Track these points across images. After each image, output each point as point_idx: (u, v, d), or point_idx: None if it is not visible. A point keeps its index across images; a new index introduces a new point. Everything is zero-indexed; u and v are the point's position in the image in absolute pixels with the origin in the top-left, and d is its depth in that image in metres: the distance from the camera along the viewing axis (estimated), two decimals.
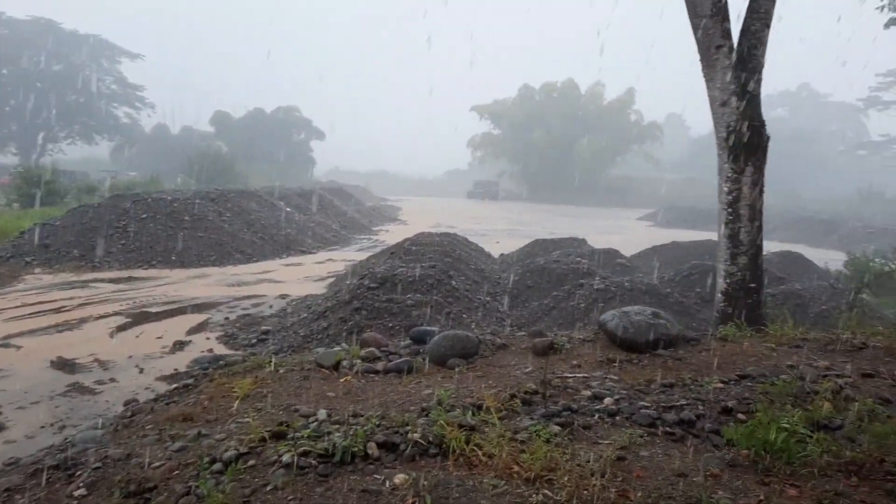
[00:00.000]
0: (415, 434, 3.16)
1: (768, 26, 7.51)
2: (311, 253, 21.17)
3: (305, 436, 3.25)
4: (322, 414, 3.67)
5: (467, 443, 3.11)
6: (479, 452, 3.02)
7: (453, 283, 10.71)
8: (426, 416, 3.60)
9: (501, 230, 32.10)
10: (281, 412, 3.83)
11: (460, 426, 3.33)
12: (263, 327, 10.08)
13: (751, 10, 7.42)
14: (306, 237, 23.21)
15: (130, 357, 8.37)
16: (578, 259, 13.45)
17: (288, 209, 25.86)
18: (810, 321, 10.04)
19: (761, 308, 7.56)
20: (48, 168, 31.76)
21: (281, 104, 66.52)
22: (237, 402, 3.97)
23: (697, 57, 7.72)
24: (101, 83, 59.23)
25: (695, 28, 7.58)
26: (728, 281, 7.46)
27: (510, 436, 3.24)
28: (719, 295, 7.60)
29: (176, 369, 7.90)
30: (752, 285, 7.39)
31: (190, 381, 5.28)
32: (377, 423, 3.46)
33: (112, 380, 7.35)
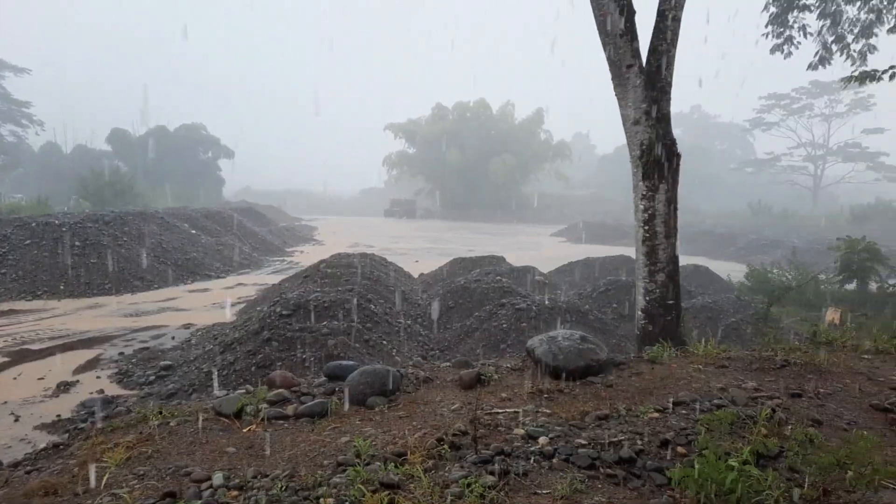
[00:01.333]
0: (328, 500, 2.70)
1: (675, 45, 7.66)
2: (219, 277, 19.97)
3: None
4: (218, 478, 3.12)
5: None
6: None
7: (372, 307, 10.22)
8: (343, 472, 3.14)
9: (420, 249, 31.81)
10: (168, 478, 3.24)
11: (382, 485, 2.90)
12: (163, 362, 9.18)
13: (657, 31, 7.54)
14: (214, 261, 21.92)
15: (5, 403, 7.35)
16: (498, 277, 13.32)
17: (193, 231, 24.39)
18: (721, 334, 10.34)
19: (680, 324, 7.61)
20: None
21: (185, 122, 63.43)
22: (114, 467, 3.33)
23: (602, 78, 7.77)
24: None
25: (606, 47, 7.60)
26: (647, 298, 7.46)
27: (439, 492, 2.85)
28: (639, 312, 7.59)
29: (59, 415, 6.97)
30: (671, 302, 7.43)
31: (64, 439, 4.51)
32: (284, 486, 2.96)
33: None
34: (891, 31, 16.21)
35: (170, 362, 9.13)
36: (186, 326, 12.15)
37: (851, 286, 15.69)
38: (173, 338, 11.14)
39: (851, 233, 17.20)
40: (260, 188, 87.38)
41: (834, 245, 16.86)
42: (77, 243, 17.28)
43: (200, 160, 62.67)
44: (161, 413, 4.30)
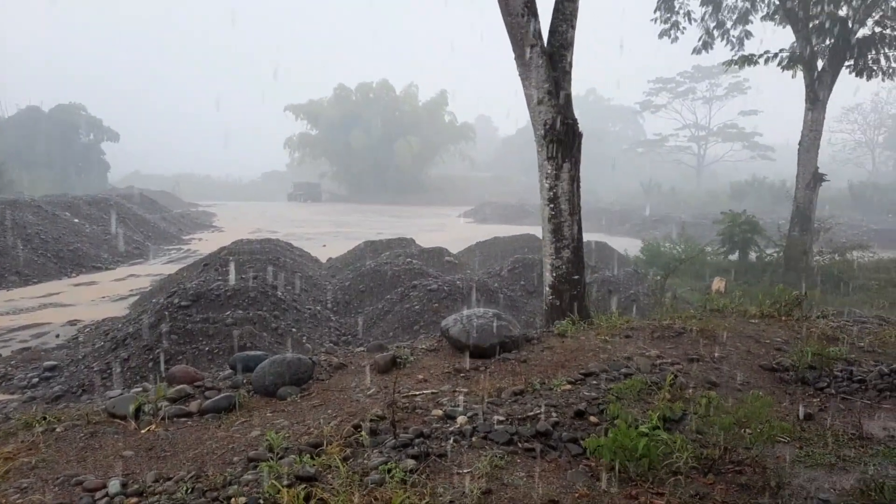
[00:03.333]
0: (240, 499, 2.54)
1: (573, 27, 7.82)
2: (108, 269, 18.58)
3: None
4: (114, 485, 2.86)
5: (307, 500, 2.56)
6: None
7: (279, 293, 9.86)
8: (254, 468, 2.97)
9: (327, 233, 31.14)
10: (56, 489, 2.93)
11: (297, 478, 2.77)
12: (47, 363, 8.41)
13: (556, 11, 7.67)
14: (101, 251, 20.36)
15: None
16: (409, 259, 13.26)
17: (76, 220, 22.51)
18: (622, 305, 10.85)
19: (585, 298, 7.89)
20: None
21: (62, 102, 57.94)
22: None
23: (505, 60, 7.83)
24: None
25: (508, 27, 7.63)
26: (554, 274, 7.66)
27: (359, 480, 2.75)
28: (547, 288, 7.78)
29: None
30: (576, 277, 7.67)
31: None
32: (190, 487, 2.76)
33: None
34: (763, 18, 17.53)
35: (55, 362, 8.38)
36: (72, 323, 11.22)
37: (734, 257, 17.00)
38: (58, 336, 10.26)
39: (731, 208, 18.60)
40: (150, 172, 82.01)
41: (718, 219, 18.17)
42: None
43: (81, 143, 57.70)
44: (45, 418, 3.90)
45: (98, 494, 2.84)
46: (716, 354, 4.86)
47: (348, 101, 70.85)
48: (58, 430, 3.73)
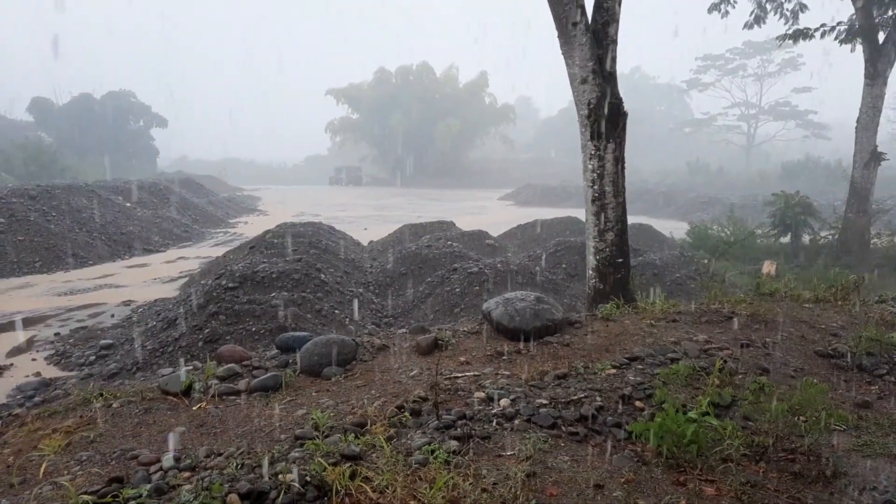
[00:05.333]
0: (288, 476, 2.59)
1: (619, 3, 7.60)
2: (158, 251, 19.20)
3: (144, 494, 2.56)
4: (168, 459, 2.96)
5: (353, 478, 2.60)
6: (369, 489, 2.53)
7: (322, 276, 10.00)
8: (301, 446, 3.02)
9: (368, 216, 31.41)
10: (113, 462, 3.05)
11: (343, 457, 2.81)
12: (103, 341, 8.77)
13: None
14: (152, 234, 21.02)
15: None
16: (449, 242, 13.26)
17: (128, 204, 23.29)
18: (667, 289, 10.62)
19: (629, 281, 7.75)
20: None
21: (113, 89, 59.73)
22: (53, 454, 3.12)
23: (545, 40, 7.66)
24: None
25: (551, 4, 7.47)
26: (598, 257, 7.54)
27: (402, 460, 2.78)
28: (590, 272, 7.67)
29: None
30: (620, 260, 7.54)
31: None
32: (240, 463, 2.83)
33: None
34: None
35: (110, 341, 8.73)
36: (126, 303, 11.64)
37: (786, 239, 16.42)
38: (113, 316, 10.66)
39: (782, 188, 17.91)
40: (197, 158, 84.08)
41: (769, 200, 17.55)
42: (1, 220, 16.21)
43: (131, 130, 59.49)
44: (103, 395, 4.06)
45: (152, 468, 2.94)
46: (767, 340, 4.71)
47: (388, 84, 70.88)
48: (114, 405, 3.88)
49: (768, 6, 17.24)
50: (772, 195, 17.31)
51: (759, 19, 17.38)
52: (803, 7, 16.89)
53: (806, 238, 16.33)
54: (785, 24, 17.02)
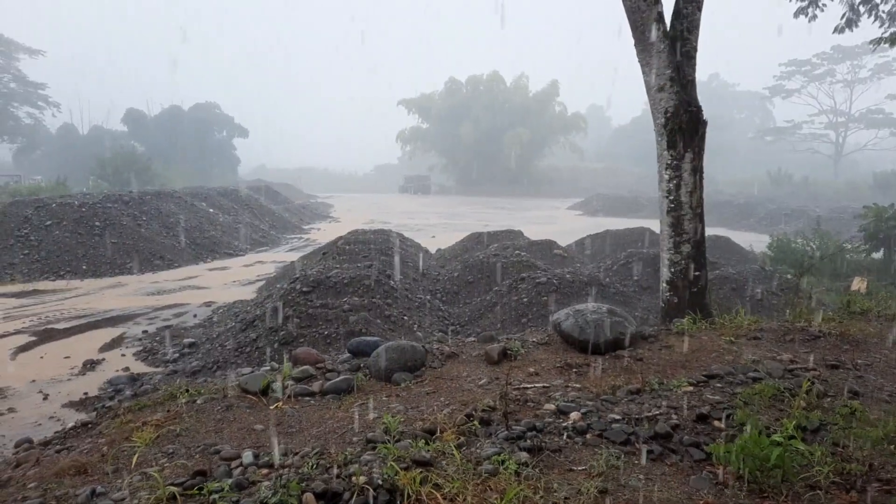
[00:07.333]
0: (361, 478, 2.65)
1: (700, 9, 7.39)
2: (238, 255, 20.08)
3: (226, 489, 2.68)
4: (248, 456, 3.09)
5: (423, 483, 2.63)
6: (439, 496, 2.55)
7: (391, 282, 10.17)
8: (373, 449, 3.09)
9: (436, 224, 31.71)
10: (197, 456, 3.22)
11: (414, 462, 2.85)
12: (187, 340, 9.26)
13: None
14: (232, 239, 22.03)
15: (33, 381, 7.47)
16: (517, 251, 13.19)
17: (211, 210, 24.50)
18: (746, 305, 10.15)
19: (706, 296, 7.46)
20: None
21: (199, 101, 63.34)
22: (143, 445, 3.32)
23: (619, 48, 7.53)
24: None
25: (628, 11, 7.34)
26: (672, 270, 7.31)
27: (472, 469, 2.78)
28: (664, 284, 7.44)
29: (86, 393, 7.07)
30: (697, 273, 7.27)
31: (92, 416, 4.53)
32: (314, 463, 2.92)
33: (10, 409, 6.47)
34: None
35: (193, 340, 9.20)
36: (208, 304, 12.22)
37: (878, 255, 15.37)
38: (195, 315, 11.22)
39: (874, 201, 16.78)
40: (274, 166, 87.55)
41: (859, 213, 16.49)
42: (97, 224, 17.41)
43: (215, 139, 62.76)
44: (188, 391, 4.29)
45: (233, 464, 3.07)
46: (858, 361, 4.42)
47: (459, 94, 71.47)
48: (198, 402, 4.08)
49: (861, 8, 16.24)
50: (863, 207, 16.25)
51: (850, 23, 16.38)
52: None
53: None
54: (880, 26, 15.97)
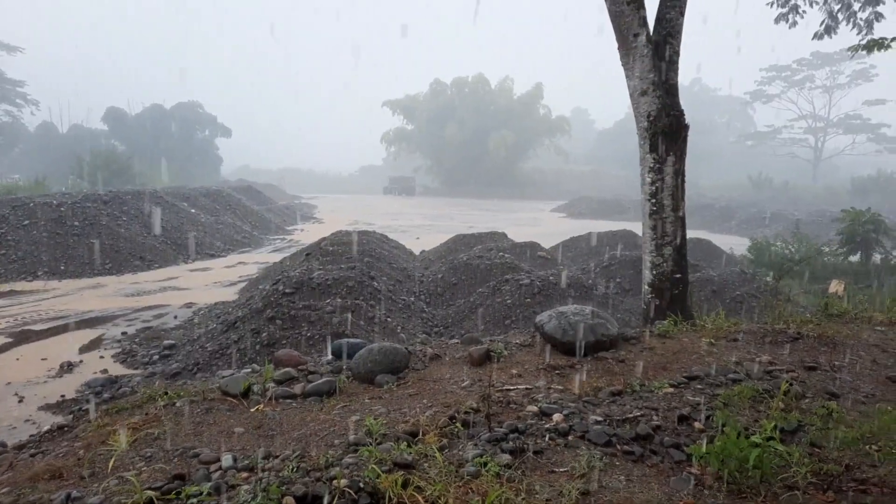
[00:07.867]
0: (342, 481, 2.63)
1: (682, 14, 7.47)
2: (220, 256, 19.88)
3: (204, 493, 2.64)
4: (227, 459, 3.05)
5: (405, 486, 2.62)
6: (421, 499, 2.54)
7: (375, 284, 10.14)
8: (354, 451, 3.07)
9: (420, 226, 31.68)
10: (176, 459, 3.17)
11: (395, 464, 2.83)
12: (167, 341, 9.13)
13: None
14: (214, 239, 21.81)
15: (9, 384, 7.32)
16: (501, 253, 13.22)
17: (192, 210, 24.24)
18: (726, 307, 10.26)
19: (687, 298, 7.54)
20: None
21: (181, 100, 62.63)
22: (120, 449, 3.26)
23: (602, 52, 7.60)
24: None
25: (612, 16, 7.39)
26: (654, 272, 7.38)
27: (455, 471, 2.78)
28: (646, 287, 7.51)
29: (63, 396, 6.95)
30: (678, 276, 7.34)
31: (68, 419, 4.45)
32: (295, 466, 2.89)
33: None
34: None
35: (173, 341, 9.08)
36: (188, 305, 12.08)
37: (855, 258, 15.65)
38: (176, 317, 11.08)
39: (852, 205, 17.09)
40: (258, 167, 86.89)
41: (838, 217, 16.77)
42: (76, 223, 17.15)
43: (198, 139, 62.10)
44: (167, 393, 4.23)
45: (213, 467, 3.03)
46: (835, 363, 4.49)
47: (444, 95, 71.51)
48: (177, 404, 4.03)
49: (840, 15, 16.52)
50: (841, 211, 16.54)
51: (829, 29, 16.67)
52: (878, 16, 16.11)
53: (877, 257, 15.51)
54: (858, 34, 16.27)
